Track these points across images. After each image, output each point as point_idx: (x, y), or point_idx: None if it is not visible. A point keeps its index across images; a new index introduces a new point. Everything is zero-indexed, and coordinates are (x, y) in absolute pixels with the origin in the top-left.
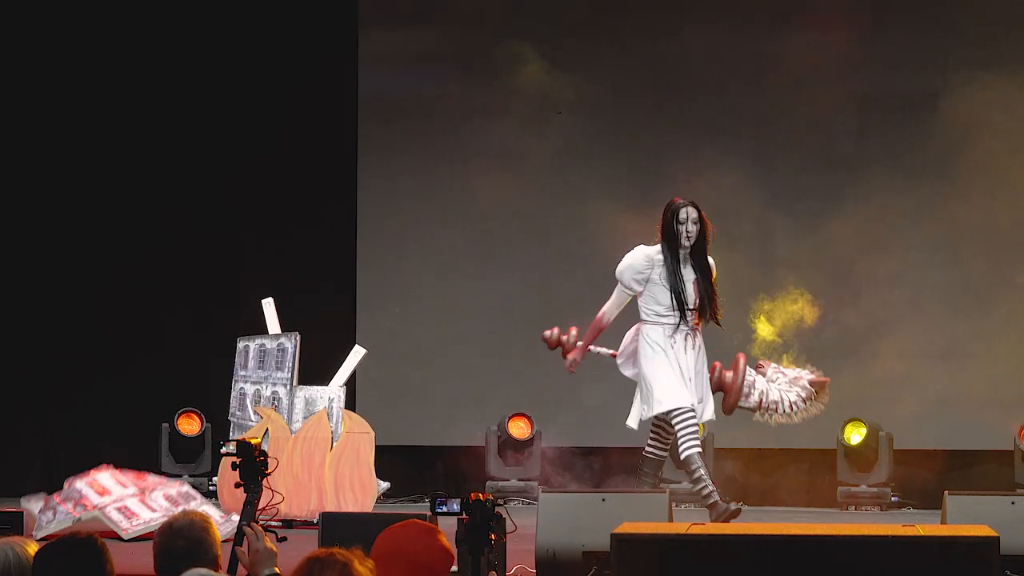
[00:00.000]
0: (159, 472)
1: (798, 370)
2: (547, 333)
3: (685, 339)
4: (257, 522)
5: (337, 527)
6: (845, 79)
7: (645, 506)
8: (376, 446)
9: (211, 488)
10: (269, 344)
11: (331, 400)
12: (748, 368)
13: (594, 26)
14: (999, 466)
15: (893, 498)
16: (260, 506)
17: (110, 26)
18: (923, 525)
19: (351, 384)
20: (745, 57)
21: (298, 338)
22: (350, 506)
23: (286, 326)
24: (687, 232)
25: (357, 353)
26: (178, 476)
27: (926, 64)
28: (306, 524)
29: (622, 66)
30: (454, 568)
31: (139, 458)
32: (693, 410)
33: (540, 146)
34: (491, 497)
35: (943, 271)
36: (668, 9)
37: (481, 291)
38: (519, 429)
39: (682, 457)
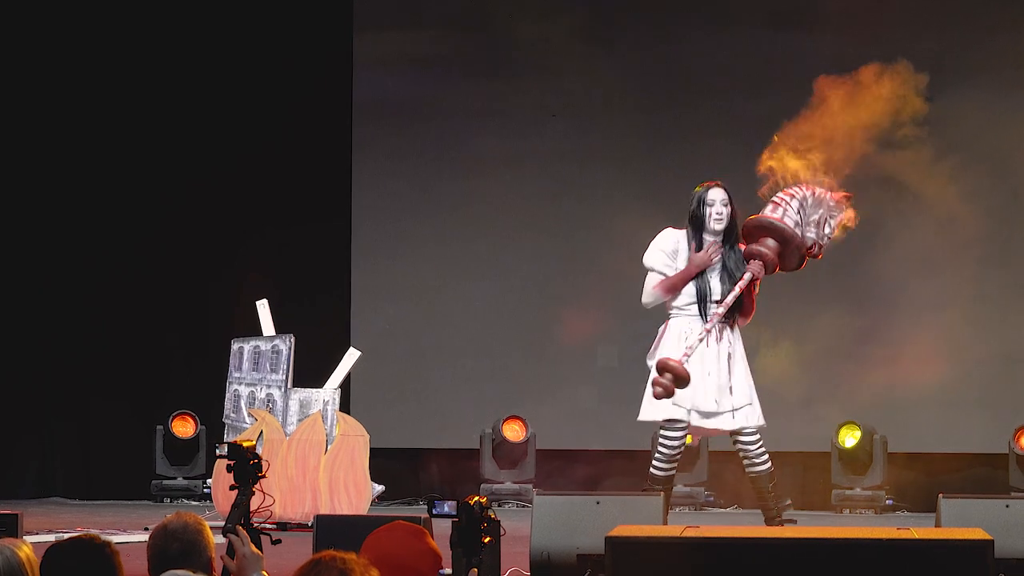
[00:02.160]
0: (153, 474)
1: (814, 189)
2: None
3: (709, 332)
4: (251, 525)
5: (331, 530)
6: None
7: (640, 509)
8: (371, 448)
9: (205, 491)
10: (264, 346)
11: (326, 402)
12: (778, 208)
13: (590, 28)
14: (994, 469)
15: (888, 501)
16: (252, 508)
17: (107, 27)
18: (917, 528)
19: (345, 386)
20: (743, 60)
21: (292, 340)
22: (344, 509)
23: (281, 328)
24: (716, 214)
25: (352, 355)
26: (172, 478)
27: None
28: (300, 527)
29: (618, 68)
30: (448, 570)
31: (133, 461)
32: (680, 423)
33: (536, 149)
34: (480, 499)
35: (938, 275)
36: (666, 12)
37: (476, 293)
38: (513, 431)
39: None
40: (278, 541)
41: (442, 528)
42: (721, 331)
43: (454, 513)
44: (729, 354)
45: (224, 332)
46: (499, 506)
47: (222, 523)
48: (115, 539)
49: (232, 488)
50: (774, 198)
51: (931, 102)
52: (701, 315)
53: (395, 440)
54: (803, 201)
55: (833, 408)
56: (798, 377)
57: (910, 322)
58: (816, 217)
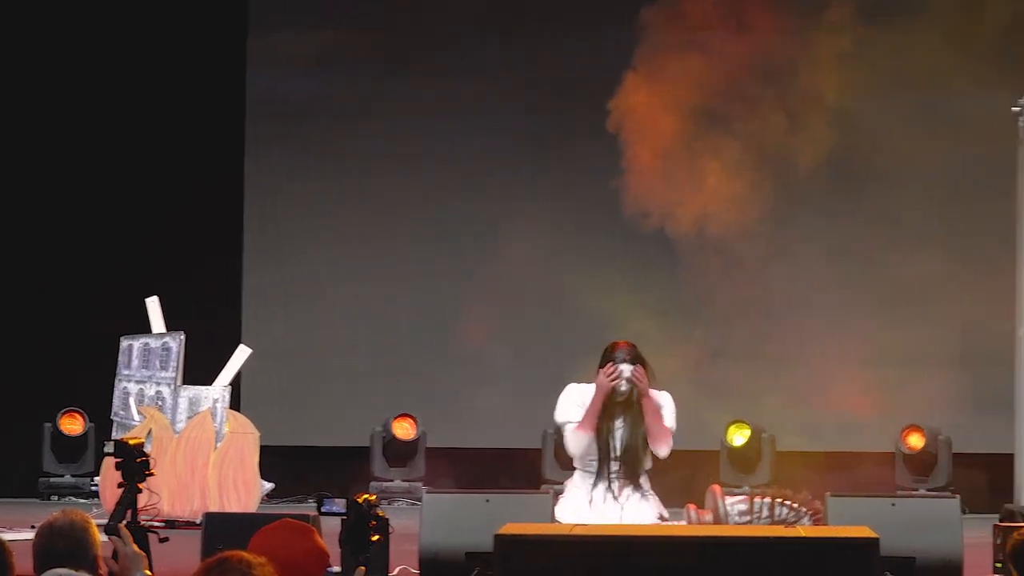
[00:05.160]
0: (41, 471)
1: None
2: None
3: (607, 489)
4: (138, 523)
5: (220, 528)
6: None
7: (529, 507)
8: (261, 446)
9: (93, 488)
10: (153, 343)
11: (215, 400)
12: (727, 499)
13: (485, 28)
14: (880, 468)
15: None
16: (140, 506)
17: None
18: (804, 526)
19: (236, 384)
20: (630, 61)
21: (183, 337)
22: (233, 506)
23: (171, 326)
24: (620, 390)
25: (242, 353)
26: (60, 476)
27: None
28: (189, 525)
29: (509, 70)
30: (336, 568)
31: (20, 458)
32: None
33: (429, 149)
34: (369, 497)
35: (825, 276)
36: (556, 15)
37: (368, 292)
38: (404, 430)
39: None
40: (166, 539)
41: (331, 526)
42: (621, 488)
43: (343, 511)
44: (623, 507)
45: (114, 329)
46: (389, 504)
47: None
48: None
49: (120, 486)
50: (760, 500)
51: None
52: (602, 473)
53: (285, 438)
54: (776, 519)
55: (723, 407)
56: (689, 375)
57: (798, 322)
58: (777, 517)
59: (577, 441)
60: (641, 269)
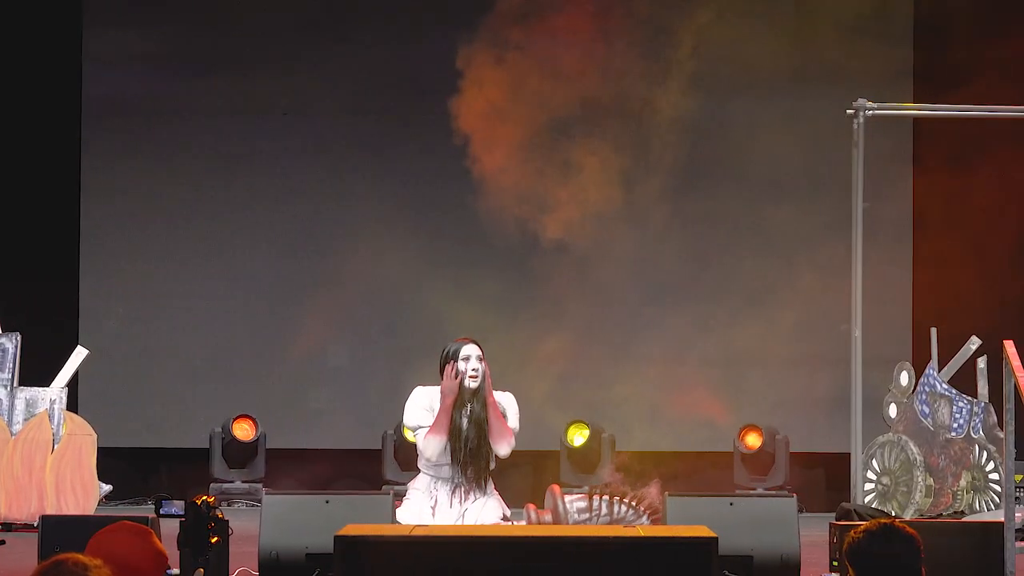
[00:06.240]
0: None
1: (636, 512)
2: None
3: (453, 492)
4: None
5: (57, 530)
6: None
7: (369, 508)
8: (99, 448)
9: None
10: None
11: (53, 402)
12: (566, 499)
13: (323, 27)
14: (720, 467)
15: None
16: None
17: None
18: (643, 526)
19: (73, 385)
20: (461, 62)
21: (19, 338)
22: (71, 509)
23: (7, 326)
24: (472, 370)
25: (79, 354)
26: None
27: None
28: (26, 527)
29: (351, 67)
30: (175, 571)
31: None
32: None
33: (268, 148)
34: (207, 499)
35: (671, 278)
36: (398, 11)
37: (207, 293)
38: (243, 431)
39: None
40: (2, 542)
41: (170, 528)
42: (467, 491)
43: (181, 513)
44: (466, 509)
45: None
46: (229, 505)
47: None
48: None
49: None
50: (598, 499)
51: None
52: (447, 474)
53: (123, 440)
54: (615, 516)
55: (564, 408)
56: (537, 377)
57: (639, 322)
58: (616, 515)
59: (433, 446)
60: (489, 274)
